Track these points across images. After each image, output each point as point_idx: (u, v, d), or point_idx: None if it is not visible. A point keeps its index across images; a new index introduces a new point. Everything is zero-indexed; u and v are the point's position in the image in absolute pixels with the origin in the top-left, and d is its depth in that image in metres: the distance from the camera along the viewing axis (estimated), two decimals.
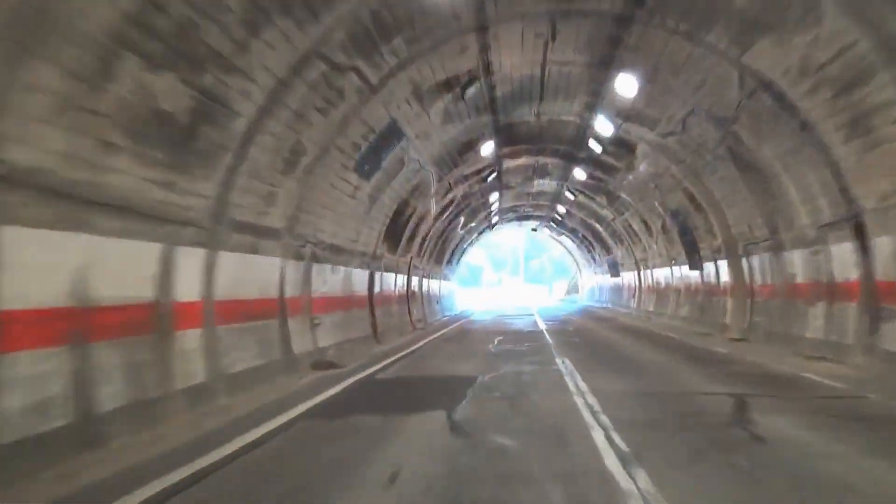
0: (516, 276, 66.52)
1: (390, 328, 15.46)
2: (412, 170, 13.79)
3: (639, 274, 22.67)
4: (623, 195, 18.90)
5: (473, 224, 27.11)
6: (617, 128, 13.32)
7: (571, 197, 22.45)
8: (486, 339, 14.19)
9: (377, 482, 3.87)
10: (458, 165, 16.14)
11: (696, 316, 15.65)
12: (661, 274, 19.38)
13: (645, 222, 19.17)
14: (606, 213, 22.51)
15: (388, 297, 15.81)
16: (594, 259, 32.44)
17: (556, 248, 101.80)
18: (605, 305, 29.73)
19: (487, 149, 15.17)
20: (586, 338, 14.08)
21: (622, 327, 16.75)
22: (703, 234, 14.64)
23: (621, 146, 14.76)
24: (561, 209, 26.43)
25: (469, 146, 14.99)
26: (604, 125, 13.40)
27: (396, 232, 15.73)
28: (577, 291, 43.14)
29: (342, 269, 11.72)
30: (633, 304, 23.53)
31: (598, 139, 14.68)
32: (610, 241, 26.12)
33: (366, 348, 12.21)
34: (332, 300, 11.08)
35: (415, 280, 20.10)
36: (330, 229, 10.83)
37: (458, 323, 21.40)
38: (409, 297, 18.59)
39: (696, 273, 15.82)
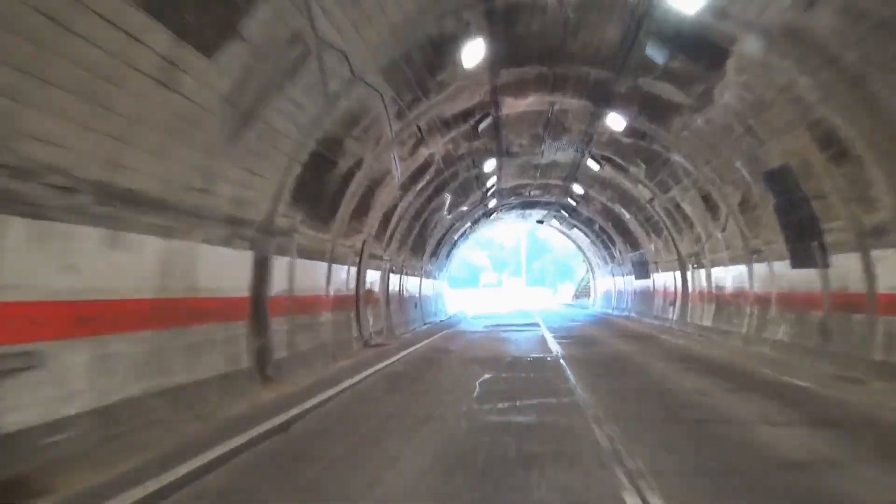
0: (518, 276, 60.35)
1: (313, 350, 9.30)
2: (339, 78, 7.64)
3: (684, 275, 16.46)
4: (677, 156, 12.67)
5: (465, 208, 20.92)
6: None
7: (595, 167, 16.22)
8: (462, 377, 8.01)
9: None
10: (428, 92, 9.95)
11: (809, 342, 9.43)
12: (728, 274, 13.19)
13: (706, 198, 12.94)
14: (642, 190, 16.27)
15: (312, 301, 9.63)
16: (612, 257, 26.21)
17: (560, 248, 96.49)
18: (627, 314, 23.51)
19: (473, 58, 8.97)
20: (640, 382, 7.88)
21: (685, 357, 10.43)
22: (838, 205, 8.43)
23: (701, 52, 8.52)
24: (577, 190, 20.20)
25: (443, 47, 8.78)
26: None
27: (325, 194, 9.57)
28: (587, 295, 36.90)
29: (151, 240, 5.52)
30: (673, 314, 17.32)
31: (665, 37, 8.49)
32: (639, 233, 19.89)
33: (215, 404, 6.01)
34: (100, 308, 4.89)
35: (373, 275, 13.92)
36: (93, 146, 4.65)
37: (437, 336, 15.20)
38: (359, 299, 12.41)
39: (808, 272, 9.60)
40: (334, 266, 10.69)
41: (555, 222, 29.41)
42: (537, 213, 28.68)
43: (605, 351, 11.32)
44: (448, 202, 18.33)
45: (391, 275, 15.96)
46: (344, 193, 10.22)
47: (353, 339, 11.67)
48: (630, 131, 12.75)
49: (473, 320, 22.72)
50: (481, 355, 10.53)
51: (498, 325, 19.34)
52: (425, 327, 18.91)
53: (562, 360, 9.70)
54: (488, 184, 18.66)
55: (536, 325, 19.09)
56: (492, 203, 22.50)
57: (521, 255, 60.23)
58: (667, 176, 14.08)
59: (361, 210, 11.56)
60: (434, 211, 17.93)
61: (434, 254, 22.61)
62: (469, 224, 25.10)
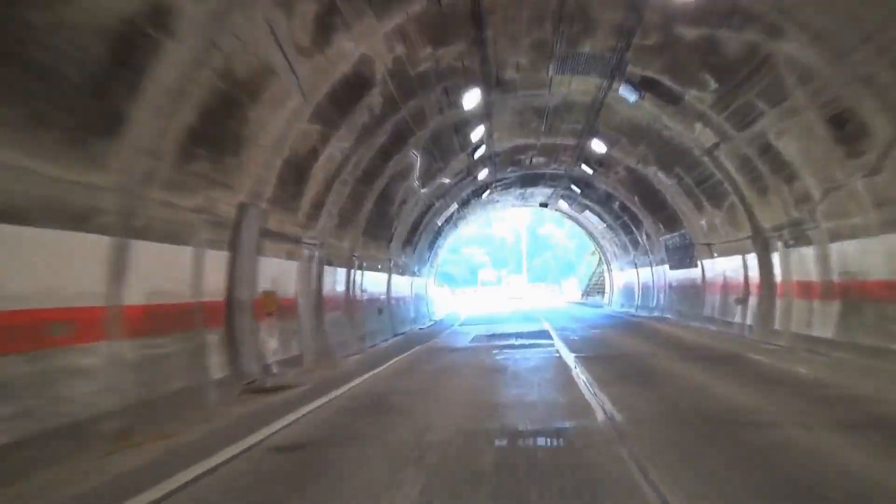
0: (519, 273, 54.73)
1: (23, 444, 3.71)
2: None
3: (765, 259, 10.88)
4: (791, 44, 7.06)
5: (447, 180, 15.42)
6: None
7: (630, 98, 10.54)
8: None
9: None
10: None
11: None
12: (879, 249, 7.62)
13: (839, 119, 7.30)
14: (702, 133, 10.63)
15: (31, 323, 4.02)
16: (636, 243, 20.60)
17: (562, 245, 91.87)
18: (660, 315, 17.89)
19: None
20: None
21: None
22: None
23: None
24: (597, 149, 14.53)
25: None
26: None
27: (54, 68, 3.98)
28: (599, 292, 31.26)
29: None
30: (744, 318, 11.72)
31: None
32: (681, 205, 14.28)
33: None
34: None
35: (280, 266, 8.29)
36: None
37: (396, 361, 9.60)
38: (232, 308, 6.80)
39: None
40: (142, 246, 5.10)
41: (562, 204, 23.82)
42: (541, 193, 23.09)
43: (697, 404, 5.59)
44: (418, 165, 12.78)
45: (328, 268, 10.39)
46: (139, 81, 4.65)
47: (210, 383, 6.07)
48: (707, 8, 7.18)
49: (463, 328, 17.15)
50: (443, 430, 4.87)
51: (493, 335, 13.76)
52: (392, 341, 13.35)
53: (627, 454, 4.08)
54: (473, 139, 13.07)
55: (546, 334, 13.49)
56: (482, 174, 16.90)
57: (522, 249, 54.52)
58: (757, 95, 8.45)
59: (220, 140, 6.00)
60: (399, 177, 12.40)
61: (409, 242, 17.06)
62: (456, 207, 19.56)
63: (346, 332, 11.10)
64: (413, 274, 18.88)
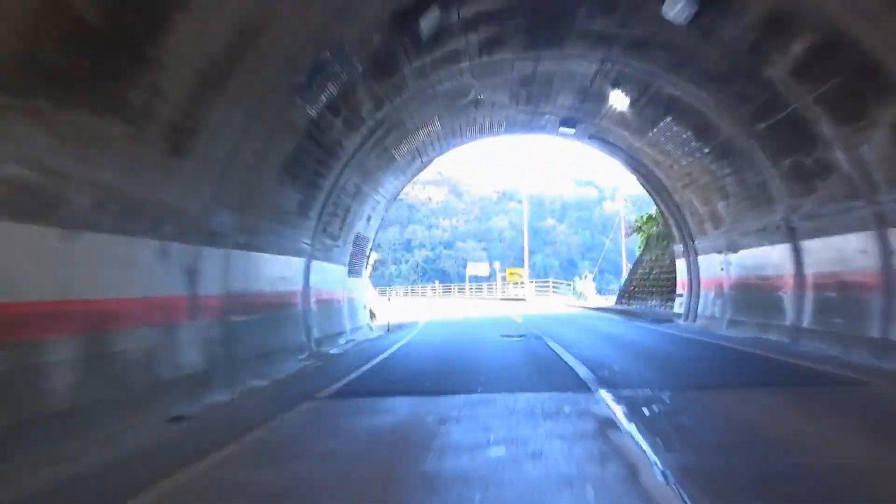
0: (520, 266, 42.45)
1: None
2: None
3: None
4: None
5: None
6: None
7: None
8: None
9: None
10: None
11: None
12: None
13: None
14: None
15: None
16: (819, 173, 8.03)
17: (563, 240, 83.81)
18: None
19: None
20: None
21: None
22: None
23: None
24: None
25: None
26: None
27: None
28: (657, 294, 18.60)
29: None
30: None
31: None
32: None
33: None
34: None
35: None
36: None
37: None
38: None
39: None
40: None
41: (614, 105, 10.98)
42: (569, 89, 10.49)
43: None
44: None
45: None
46: None
47: None
48: None
49: (353, 417, 4.55)
50: None
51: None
52: None
53: None
54: None
55: None
56: None
57: (524, 236, 41.93)
58: None
59: None
60: None
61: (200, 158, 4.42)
62: (361, 69, 7.01)
63: None
64: (209, 240, 6.22)
